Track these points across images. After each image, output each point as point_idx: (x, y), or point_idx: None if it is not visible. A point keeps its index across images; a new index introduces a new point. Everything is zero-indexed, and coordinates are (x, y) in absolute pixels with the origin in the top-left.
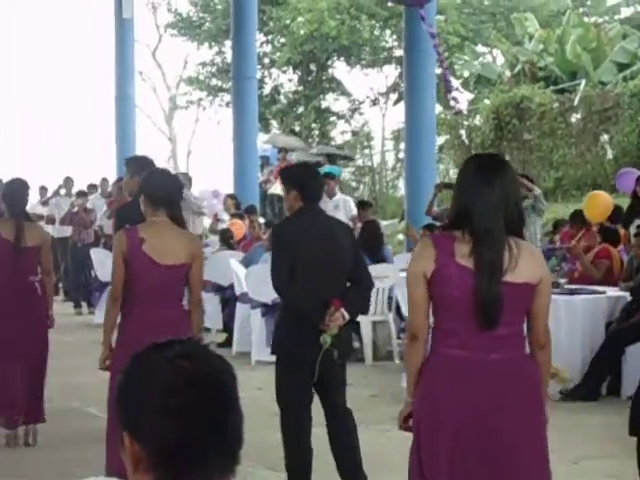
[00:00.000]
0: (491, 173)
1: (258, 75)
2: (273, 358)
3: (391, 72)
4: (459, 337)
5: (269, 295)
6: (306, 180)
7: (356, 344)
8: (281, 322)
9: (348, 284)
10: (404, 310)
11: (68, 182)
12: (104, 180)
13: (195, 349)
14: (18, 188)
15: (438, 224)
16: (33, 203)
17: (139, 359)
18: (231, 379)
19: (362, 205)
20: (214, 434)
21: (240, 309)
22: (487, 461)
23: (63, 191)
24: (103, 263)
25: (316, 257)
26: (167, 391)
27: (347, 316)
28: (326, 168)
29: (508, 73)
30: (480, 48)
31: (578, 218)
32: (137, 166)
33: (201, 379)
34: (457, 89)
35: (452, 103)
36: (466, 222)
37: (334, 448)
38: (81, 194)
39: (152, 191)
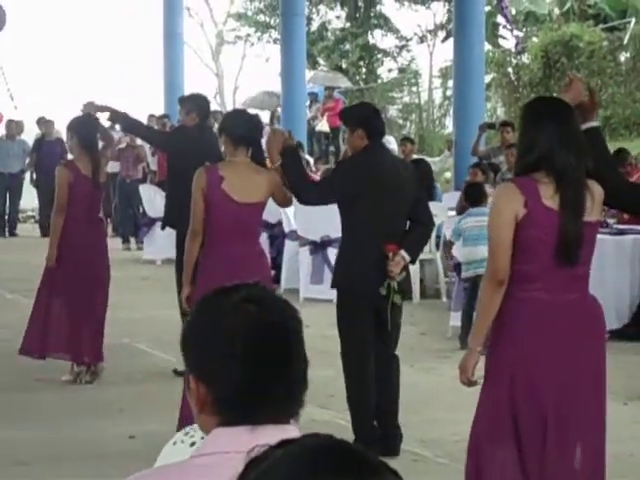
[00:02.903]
0: (565, 114)
1: (306, 12)
2: (321, 295)
3: (439, 9)
4: (541, 280)
5: (317, 233)
6: (370, 118)
7: None
8: (344, 256)
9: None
10: (455, 249)
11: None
12: (151, 116)
13: (262, 293)
14: (89, 122)
15: (485, 162)
16: None
17: (205, 303)
18: (297, 324)
19: (403, 141)
20: (279, 378)
21: (288, 246)
22: (570, 401)
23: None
24: (151, 199)
25: (381, 193)
26: (232, 335)
27: (407, 258)
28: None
29: (557, 11)
30: None
31: (622, 156)
32: (194, 104)
33: (267, 323)
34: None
35: (514, 41)
36: (546, 164)
37: (378, 391)
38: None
39: (233, 130)
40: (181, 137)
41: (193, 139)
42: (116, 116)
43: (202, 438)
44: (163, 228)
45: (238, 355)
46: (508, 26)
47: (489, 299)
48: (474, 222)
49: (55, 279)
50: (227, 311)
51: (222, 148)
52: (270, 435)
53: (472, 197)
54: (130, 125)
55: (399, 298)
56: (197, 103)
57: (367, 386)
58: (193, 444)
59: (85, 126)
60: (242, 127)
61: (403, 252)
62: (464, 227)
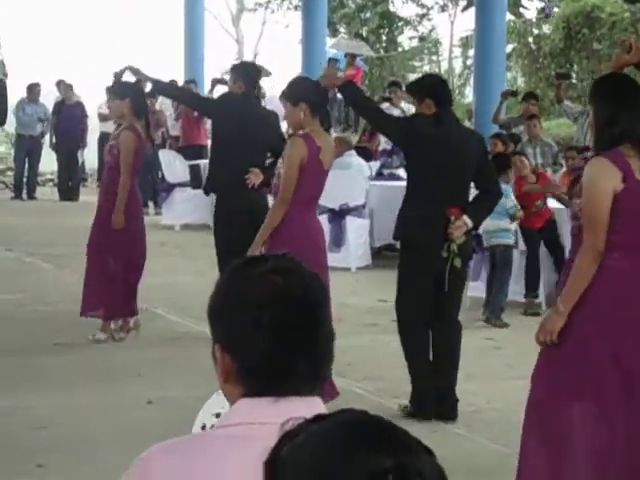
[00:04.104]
0: (638, 89)
1: None
2: (339, 263)
3: None
4: (624, 249)
5: (336, 201)
6: (437, 87)
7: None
8: (405, 212)
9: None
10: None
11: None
12: (172, 82)
13: (288, 264)
14: (140, 88)
15: (505, 132)
16: (101, 103)
17: (233, 273)
18: (323, 296)
19: None
20: (303, 349)
21: None
22: None
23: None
24: (171, 164)
25: (448, 153)
26: (258, 305)
27: (470, 223)
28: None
29: None
30: None
31: None
32: (240, 72)
33: (292, 294)
34: None
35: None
36: (630, 137)
37: (435, 356)
38: (149, 95)
39: (311, 98)
40: (227, 104)
41: (239, 107)
42: (154, 81)
43: None
44: (207, 194)
45: (263, 325)
46: None
47: (587, 269)
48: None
49: (109, 239)
50: (254, 281)
51: (300, 116)
52: (294, 407)
53: (497, 168)
54: (165, 89)
55: (459, 262)
56: (243, 71)
57: (418, 339)
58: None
59: (138, 92)
60: (316, 94)
61: (465, 217)
62: None
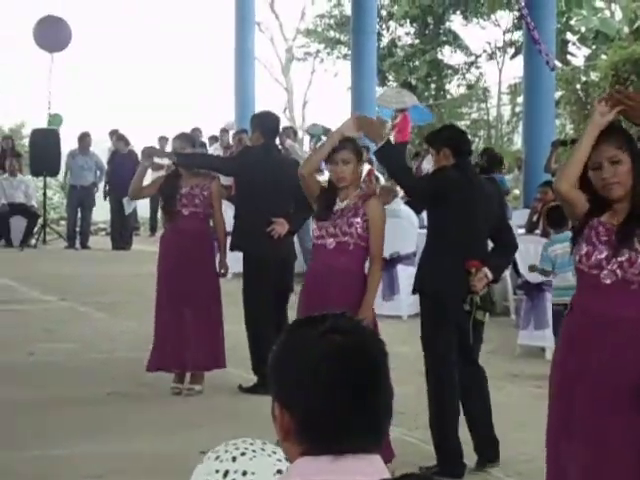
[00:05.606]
0: None
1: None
2: (392, 312)
3: (508, 23)
4: None
5: (387, 250)
6: (455, 137)
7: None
8: (427, 266)
9: (491, 244)
10: (521, 267)
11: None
12: (223, 131)
13: (347, 324)
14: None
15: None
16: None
17: (293, 332)
18: (381, 355)
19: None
20: (361, 408)
21: None
22: None
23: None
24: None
25: (469, 206)
26: (316, 363)
27: (491, 276)
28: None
29: (627, 29)
30: (599, 3)
31: None
32: (257, 122)
33: (350, 353)
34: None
35: (548, 63)
36: None
37: (466, 406)
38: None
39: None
40: (246, 160)
41: (258, 160)
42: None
43: (226, 452)
44: (232, 250)
45: (320, 384)
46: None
47: None
48: (562, 248)
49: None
50: (313, 340)
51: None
52: (352, 466)
53: (555, 220)
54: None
55: (482, 315)
56: (261, 122)
57: (451, 375)
58: (217, 457)
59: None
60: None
61: (486, 269)
62: (552, 255)
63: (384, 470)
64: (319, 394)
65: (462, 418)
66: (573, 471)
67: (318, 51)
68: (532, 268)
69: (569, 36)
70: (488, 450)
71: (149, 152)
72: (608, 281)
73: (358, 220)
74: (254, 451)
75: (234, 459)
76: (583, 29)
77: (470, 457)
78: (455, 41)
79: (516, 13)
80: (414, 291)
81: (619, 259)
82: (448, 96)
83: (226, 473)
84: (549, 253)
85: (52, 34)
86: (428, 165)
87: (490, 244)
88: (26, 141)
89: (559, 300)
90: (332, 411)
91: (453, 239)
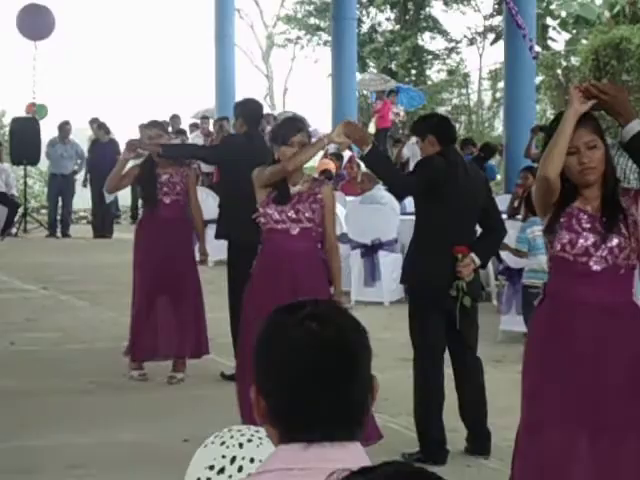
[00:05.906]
0: None
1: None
2: (373, 298)
3: (488, 10)
4: None
5: (368, 236)
6: (439, 124)
7: None
8: (414, 254)
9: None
10: (503, 253)
11: (175, 120)
12: (204, 119)
13: (326, 311)
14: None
15: (536, 166)
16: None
17: (272, 319)
18: (359, 345)
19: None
20: (332, 398)
21: (340, 249)
22: None
23: (169, 129)
24: (203, 201)
25: (456, 193)
26: (289, 349)
27: (478, 261)
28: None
29: (607, 13)
30: None
31: None
32: (240, 110)
33: (326, 342)
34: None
35: (531, 49)
36: None
37: (458, 394)
38: (180, 132)
39: None
40: (229, 148)
41: (241, 148)
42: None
43: (231, 437)
44: (217, 238)
45: (292, 369)
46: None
47: None
48: (539, 231)
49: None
50: (290, 328)
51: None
52: (327, 453)
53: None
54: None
55: (468, 300)
56: (243, 110)
57: (432, 384)
58: (223, 443)
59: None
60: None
61: (473, 255)
62: (531, 236)
63: (364, 458)
64: (287, 380)
65: (453, 405)
66: (584, 460)
67: (298, 38)
68: (504, 246)
69: (549, 21)
70: (476, 443)
71: (134, 145)
72: (598, 267)
73: (317, 207)
74: (260, 438)
75: (241, 445)
76: (563, 14)
77: (454, 444)
78: (435, 27)
79: None
80: (402, 281)
81: (609, 245)
82: (429, 82)
83: (233, 459)
84: (527, 234)
85: (35, 22)
86: (409, 152)
87: (479, 229)
88: (7, 130)
89: (531, 282)
90: (300, 400)
91: (440, 226)
